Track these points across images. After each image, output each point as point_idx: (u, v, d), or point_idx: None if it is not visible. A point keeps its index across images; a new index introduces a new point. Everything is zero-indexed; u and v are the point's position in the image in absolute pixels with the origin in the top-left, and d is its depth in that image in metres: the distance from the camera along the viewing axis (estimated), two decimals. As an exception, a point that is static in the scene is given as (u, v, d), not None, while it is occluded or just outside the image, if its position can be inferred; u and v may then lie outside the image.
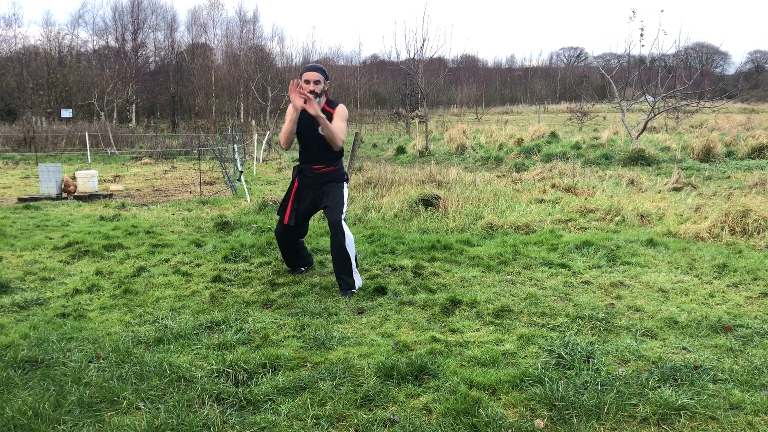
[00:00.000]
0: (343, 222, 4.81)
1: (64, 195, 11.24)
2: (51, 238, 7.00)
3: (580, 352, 3.45)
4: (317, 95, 4.80)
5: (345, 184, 5.05)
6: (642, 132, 17.39)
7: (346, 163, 14.48)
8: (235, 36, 55.29)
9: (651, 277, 5.14)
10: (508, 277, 5.24)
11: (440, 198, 8.33)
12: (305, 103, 4.68)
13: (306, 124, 4.89)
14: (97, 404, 2.94)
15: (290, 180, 5.16)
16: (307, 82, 4.80)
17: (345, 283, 4.80)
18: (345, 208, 4.92)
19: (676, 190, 10.02)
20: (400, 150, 20.54)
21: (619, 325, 4.01)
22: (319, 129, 4.82)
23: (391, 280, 5.11)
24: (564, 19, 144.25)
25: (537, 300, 4.52)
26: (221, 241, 6.73)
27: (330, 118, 4.89)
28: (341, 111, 4.95)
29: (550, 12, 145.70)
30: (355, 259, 4.90)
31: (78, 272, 5.50)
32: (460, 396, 2.93)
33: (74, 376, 3.21)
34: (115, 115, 40.68)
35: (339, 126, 4.88)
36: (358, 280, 4.90)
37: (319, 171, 4.99)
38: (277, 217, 5.76)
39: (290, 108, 4.86)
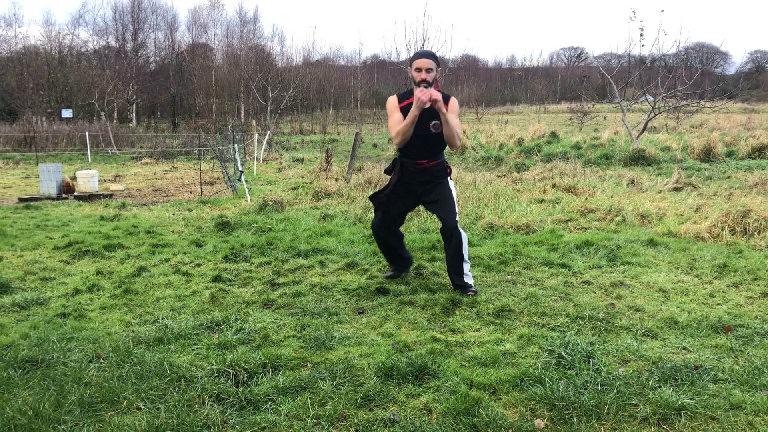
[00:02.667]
0: (458, 223, 4.61)
1: (65, 195, 11.24)
2: (51, 238, 7.00)
3: (580, 352, 3.45)
4: (429, 84, 4.41)
5: (450, 179, 4.79)
6: (642, 132, 17.38)
7: (345, 163, 14.49)
8: (236, 36, 55.34)
9: (651, 277, 5.14)
10: (509, 276, 5.23)
11: (440, 198, 8.32)
12: (430, 102, 4.30)
13: (417, 121, 4.51)
14: (97, 404, 2.94)
15: (391, 173, 4.86)
16: (419, 70, 4.42)
17: (464, 285, 4.65)
18: (456, 207, 4.69)
19: (677, 190, 10.01)
20: (401, 150, 20.52)
21: (620, 325, 4.01)
22: (431, 126, 4.49)
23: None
24: (564, 19, 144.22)
25: (537, 300, 4.52)
26: (221, 241, 6.73)
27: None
28: (455, 106, 4.58)
29: (551, 12, 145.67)
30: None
31: (78, 272, 5.50)
32: (461, 396, 2.93)
33: (74, 376, 3.21)
34: (116, 115, 40.69)
35: (457, 123, 4.53)
36: (472, 283, 4.74)
37: (423, 165, 4.69)
38: (372, 209, 5.60)
39: (393, 101, 4.59)
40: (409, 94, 4.55)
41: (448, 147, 4.71)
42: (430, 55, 4.48)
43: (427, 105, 4.32)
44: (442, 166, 4.77)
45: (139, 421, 2.75)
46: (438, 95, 4.31)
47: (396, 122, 4.51)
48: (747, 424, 2.75)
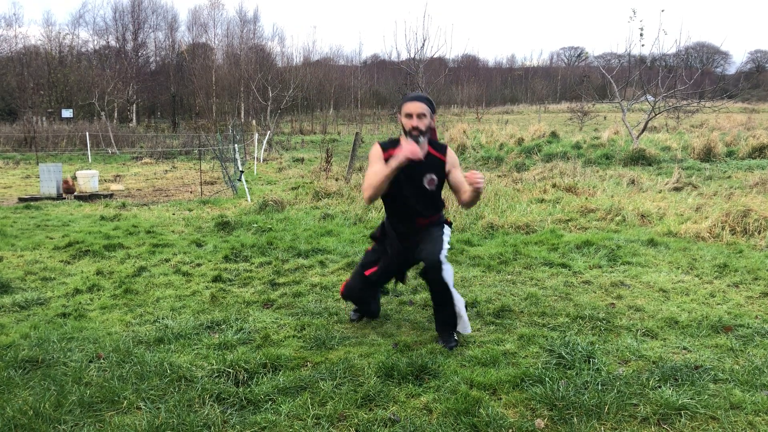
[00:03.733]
0: (442, 258, 3.65)
1: (64, 195, 11.23)
2: (51, 238, 7.00)
3: (580, 351, 3.45)
4: (422, 133, 3.68)
5: (448, 228, 3.96)
6: (642, 132, 17.38)
7: (345, 163, 14.48)
8: (236, 36, 55.35)
9: (651, 277, 5.14)
10: (509, 276, 5.23)
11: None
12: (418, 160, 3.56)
13: (407, 175, 3.72)
14: (97, 404, 2.94)
15: (378, 240, 4.03)
16: (410, 116, 3.66)
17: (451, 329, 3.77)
18: (446, 247, 3.76)
19: (677, 189, 10.01)
20: (401, 150, 20.51)
21: (620, 324, 4.01)
22: (425, 181, 3.78)
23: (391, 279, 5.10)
24: (564, 19, 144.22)
25: (537, 300, 4.52)
26: (222, 240, 6.73)
27: (439, 165, 3.81)
28: (454, 159, 3.87)
29: (551, 12, 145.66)
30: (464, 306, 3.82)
31: (78, 272, 5.50)
32: (461, 396, 2.93)
33: (75, 376, 3.21)
34: (116, 114, 40.70)
35: (463, 180, 3.80)
36: (468, 324, 3.80)
37: (425, 224, 3.87)
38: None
39: (376, 151, 3.77)
40: (395, 143, 3.80)
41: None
42: (422, 99, 3.72)
43: (414, 159, 3.54)
44: (443, 220, 3.99)
45: (139, 421, 2.75)
46: (416, 151, 3.53)
47: (372, 174, 3.68)
48: (747, 423, 2.75)
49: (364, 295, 4.02)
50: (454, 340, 3.70)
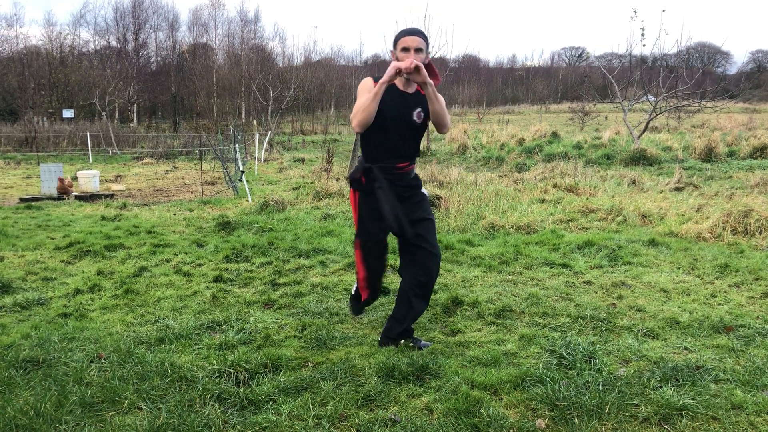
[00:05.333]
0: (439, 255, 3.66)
1: (64, 196, 11.24)
2: (52, 238, 7.00)
3: (581, 352, 3.45)
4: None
5: (425, 190, 3.84)
6: (644, 132, 17.37)
7: (346, 163, 14.47)
8: (237, 36, 55.39)
9: (652, 277, 5.13)
10: (510, 277, 5.23)
11: (442, 198, 8.33)
12: (410, 70, 3.39)
13: (396, 110, 3.57)
14: (98, 404, 2.94)
15: (359, 191, 3.74)
16: (406, 49, 3.49)
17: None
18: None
19: (678, 190, 10.00)
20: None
21: (621, 325, 4.01)
22: (415, 115, 3.60)
23: (392, 279, 5.10)
24: (565, 19, 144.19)
25: (538, 300, 4.51)
26: (222, 241, 6.73)
27: (426, 101, 3.60)
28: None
29: (552, 12, 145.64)
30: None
31: (79, 272, 5.50)
32: (462, 396, 2.93)
33: (76, 376, 3.21)
34: (117, 115, 40.72)
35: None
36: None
37: (403, 170, 3.69)
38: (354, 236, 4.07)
39: (367, 82, 3.57)
40: None
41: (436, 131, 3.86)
42: (419, 33, 3.56)
43: (404, 75, 3.43)
44: (416, 175, 3.82)
45: (140, 421, 2.75)
46: (419, 61, 3.41)
47: (362, 101, 3.48)
48: (748, 424, 2.74)
49: (382, 253, 3.81)
50: (391, 340, 3.63)
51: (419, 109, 3.64)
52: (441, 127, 3.67)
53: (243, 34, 55.52)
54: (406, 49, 3.50)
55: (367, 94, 3.49)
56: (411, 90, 3.63)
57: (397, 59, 3.52)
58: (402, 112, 3.59)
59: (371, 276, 3.84)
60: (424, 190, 3.81)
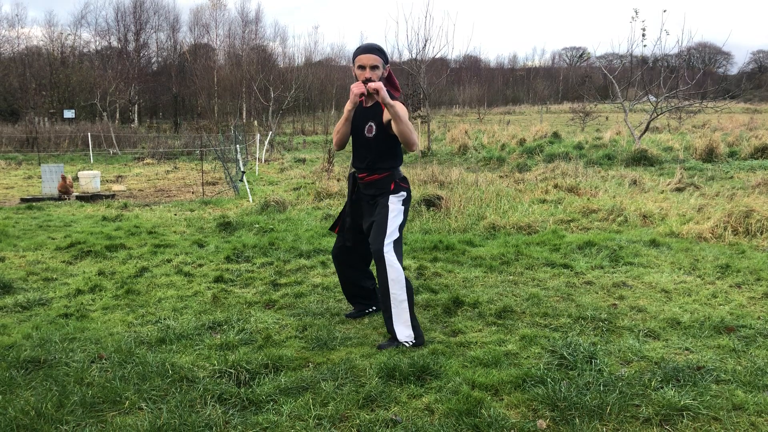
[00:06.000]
0: (386, 251, 3.60)
1: (65, 196, 11.24)
2: (53, 239, 7.01)
3: (582, 352, 3.45)
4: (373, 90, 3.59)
5: (395, 197, 3.78)
6: (644, 132, 17.36)
7: (347, 164, 14.48)
8: (238, 36, 55.38)
9: (653, 278, 5.13)
10: (511, 277, 5.23)
11: (442, 198, 8.33)
12: (367, 92, 3.56)
13: (354, 124, 3.81)
14: (99, 404, 2.94)
15: (347, 188, 4.10)
16: (362, 67, 3.63)
17: (389, 333, 3.71)
18: (393, 230, 3.68)
19: (679, 190, 9.99)
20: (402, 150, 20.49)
21: (622, 325, 4.01)
22: (365, 130, 3.76)
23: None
24: (566, 19, 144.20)
25: (539, 300, 4.51)
26: (223, 241, 6.74)
27: (381, 113, 3.74)
28: (403, 109, 3.64)
29: (553, 12, 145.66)
30: (410, 305, 3.67)
31: (80, 272, 5.51)
32: (463, 396, 2.93)
33: (77, 377, 3.21)
34: (118, 115, 40.74)
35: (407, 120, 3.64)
36: (405, 333, 3.64)
37: (364, 180, 3.84)
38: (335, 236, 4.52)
39: (348, 105, 3.74)
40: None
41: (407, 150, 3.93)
42: (374, 50, 3.67)
43: (360, 98, 3.60)
44: (389, 182, 3.79)
45: (141, 421, 2.75)
46: (378, 83, 3.50)
47: (337, 125, 3.84)
48: (749, 424, 2.74)
49: (345, 260, 4.05)
50: (386, 343, 3.65)
51: (370, 124, 3.74)
52: (407, 146, 3.67)
53: (244, 34, 55.53)
54: (362, 67, 3.64)
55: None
56: (370, 103, 3.76)
57: (355, 76, 3.68)
58: (358, 125, 3.79)
59: (341, 281, 4.21)
60: (393, 201, 3.78)
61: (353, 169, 3.93)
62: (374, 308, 4.26)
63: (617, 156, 15.40)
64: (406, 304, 3.63)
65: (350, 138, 3.88)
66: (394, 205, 3.75)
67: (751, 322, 4.01)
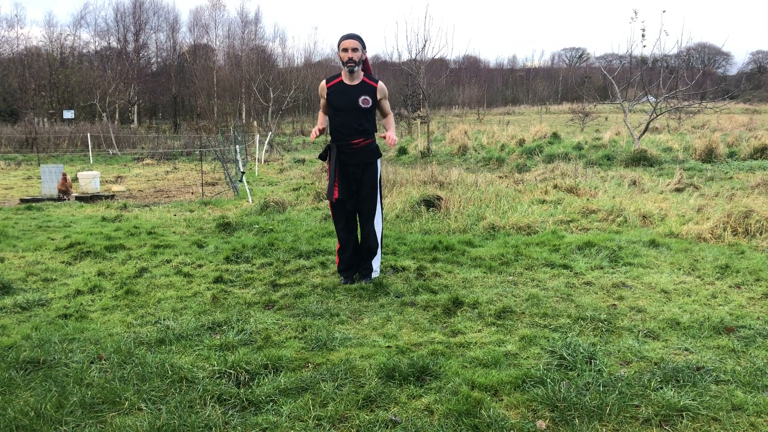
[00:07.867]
0: (376, 222, 5.03)
1: (64, 197, 11.24)
2: (53, 239, 7.01)
3: (582, 353, 3.45)
4: (356, 64, 4.79)
5: (379, 160, 5.07)
6: (644, 132, 17.37)
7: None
8: (237, 37, 55.33)
9: (653, 278, 5.13)
10: (510, 277, 5.23)
11: (442, 199, 8.33)
12: (343, 84, 4.89)
13: (344, 100, 4.87)
14: (98, 405, 2.94)
15: (329, 163, 5.12)
16: (345, 50, 4.78)
17: (367, 270, 5.09)
18: (379, 203, 5.06)
19: (678, 190, 10.00)
20: (402, 151, 20.53)
21: (621, 326, 4.01)
22: (360, 101, 4.86)
23: (393, 280, 5.10)
24: (566, 20, 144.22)
25: (539, 301, 4.51)
26: (223, 241, 6.73)
27: (372, 90, 4.90)
28: (385, 90, 4.99)
29: (552, 12, 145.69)
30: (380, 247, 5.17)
31: (80, 273, 5.50)
32: (462, 397, 2.93)
33: (76, 377, 3.21)
34: (117, 116, 40.73)
35: (389, 111, 5.15)
36: (376, 267, 5.14)
37: (359, 145, 4.93)
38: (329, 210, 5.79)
39: (321, 85, 5.00)
40: (337, 75, 4.94)
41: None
42: (354, 36, 4.82)
43: (347, 70, 4.85)
44: (375, 146, 5.03)
45: (140, 422, 2.75)
46: (395, 140, 4.85)
47: (321, 108, 5.11)
48: (749, 425, 2.74)
49: (354, 227, 5.12)
50: (369, 278, 5.03)
51: (365, 97, 4.87)
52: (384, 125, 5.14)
53: (243, 35, 55.50)
54: (345, 50, 4.79)
55: (322, 98, 5.02)
56: (356, 82, 4.88)
57: (340, 58, 4.84)
58: (349, 100, 4.85)
59: (340, 242, 5.12)
60: (379, 159, 5.06)
61: (338, 142, 4.95)
62: (356, 274, 5.18)
63: (617, 156, 15.40)
64: (379, 250, 5.13)
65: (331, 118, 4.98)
66: (380, 167, 5.08)
67: (751, 322, 4.01)
